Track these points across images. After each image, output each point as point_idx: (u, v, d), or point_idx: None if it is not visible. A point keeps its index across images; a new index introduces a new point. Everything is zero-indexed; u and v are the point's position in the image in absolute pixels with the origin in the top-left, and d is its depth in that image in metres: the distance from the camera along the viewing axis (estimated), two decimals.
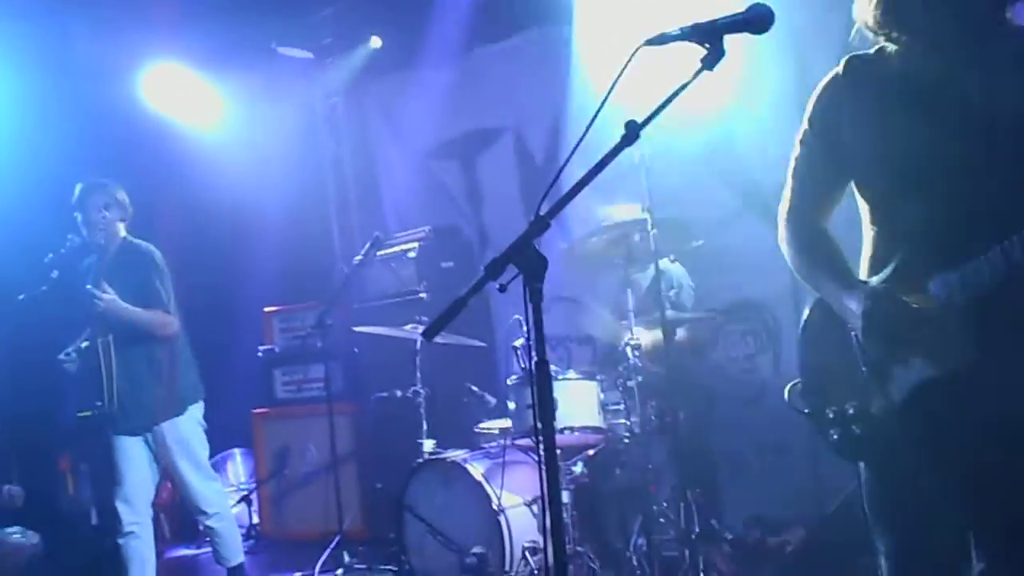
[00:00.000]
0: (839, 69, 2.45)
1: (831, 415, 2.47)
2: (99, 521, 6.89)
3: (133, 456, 5.20)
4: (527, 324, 2.18)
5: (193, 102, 7.46)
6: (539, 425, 2.15)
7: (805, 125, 2.53)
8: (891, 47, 2.39)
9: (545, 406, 2.15)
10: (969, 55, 2.27)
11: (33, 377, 6.13)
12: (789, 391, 2.64)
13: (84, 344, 5.21)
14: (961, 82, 2.26)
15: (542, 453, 2.13)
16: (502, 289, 2.21)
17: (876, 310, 2.31)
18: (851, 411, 2.43)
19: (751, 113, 5.44)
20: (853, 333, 2.42)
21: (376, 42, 7.29)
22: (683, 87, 2.26)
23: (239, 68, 7.26)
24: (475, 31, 6.70)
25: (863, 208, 2.47)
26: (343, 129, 7.89)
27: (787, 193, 2.60)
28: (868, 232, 2.47)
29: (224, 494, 5.56)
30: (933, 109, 2.28)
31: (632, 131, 2.24)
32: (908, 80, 2.34)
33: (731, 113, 5.53)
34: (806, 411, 2.57)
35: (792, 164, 2.57)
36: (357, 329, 5.55)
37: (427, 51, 6.88)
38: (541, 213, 2.22)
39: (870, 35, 2.40)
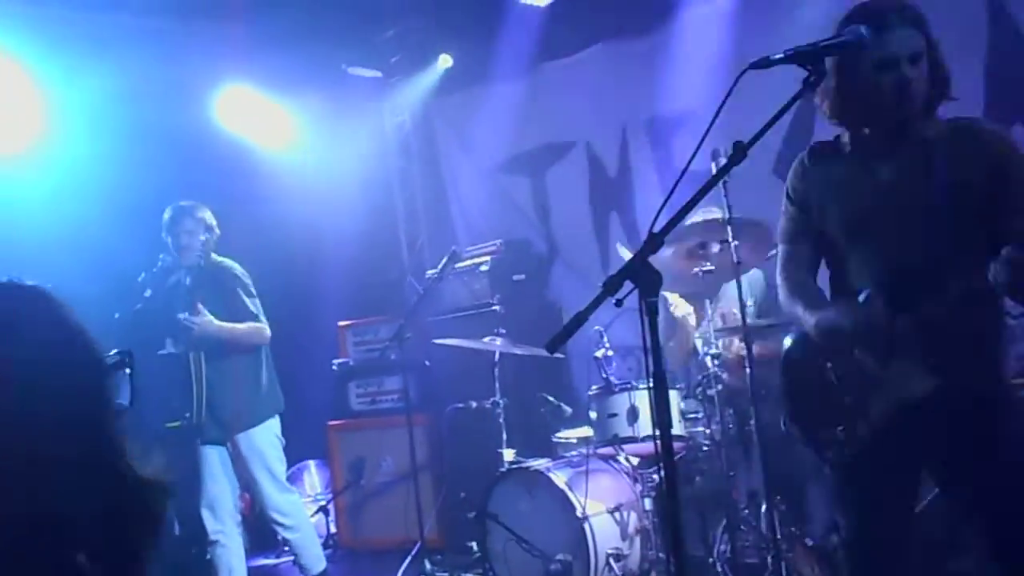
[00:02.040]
0: (804, 155, 2.95)
1: (823, 439, 2.86)
2: (182, 531, 7.05)
3: (214, 465, 5.39)
4: (644, 336, 2.27)
5: (266, 124, 7.64)
6: (659, 439, 2.25)
7: (785, 200, 2.98)
8: (846, 134, 2.87)
9: (664, 419, 2.25)
10: (905, 142, 2.74)
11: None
12: (783, 419, 3.04)
13: (170, 351, 5.41)
14: (900, 164, 2.74)
15: (663, 467, 2.23)
16: (619, 304, 2.31)
17: (862, 316, 2.70)
18: (839, 435, 2.80)
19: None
20: (830, 366, 2.84)
21: (446, 60, 7.44)
22: (787, 107, 2.38)
23: (310, 89, 7.43)
24: (544, 46, 6.81)
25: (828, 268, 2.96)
26: (412, 146, 8.04)
27: (779, 255, 3.04)
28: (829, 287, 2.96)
29: (301, 505, 5.70)
30: (877, 188, 2.76)
31: (739, 151, 2.34)
32: (856, 162, 2.82)
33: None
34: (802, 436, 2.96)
35: (779, 231, 3.02)
36: (438, 341, 5.66)
37: (495, 67, 7.01)
38: (655, 231, 2.32)
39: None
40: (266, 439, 5.40)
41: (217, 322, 5.24)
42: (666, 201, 2.41)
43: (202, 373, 5.31)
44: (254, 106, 7.51)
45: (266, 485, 5.36)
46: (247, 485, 5.49)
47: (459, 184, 7.78)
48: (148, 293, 5.37)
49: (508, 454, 5.38)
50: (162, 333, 5.47)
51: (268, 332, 5.38)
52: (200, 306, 5.20)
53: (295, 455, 7.57)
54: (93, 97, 6.76)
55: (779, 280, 3.02)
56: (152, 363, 5.39)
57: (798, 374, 2.96)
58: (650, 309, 2.26)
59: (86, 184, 6.46)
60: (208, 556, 5.48)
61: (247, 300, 5.36)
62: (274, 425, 5.47)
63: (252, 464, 5.34)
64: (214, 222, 5.50)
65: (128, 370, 1.85)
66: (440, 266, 6.15)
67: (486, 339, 5.47)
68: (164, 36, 6.72)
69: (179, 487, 5.33)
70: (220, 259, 5.48)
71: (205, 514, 5.39)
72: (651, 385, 2.30)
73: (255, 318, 5.34)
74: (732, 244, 4.34)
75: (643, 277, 2.25)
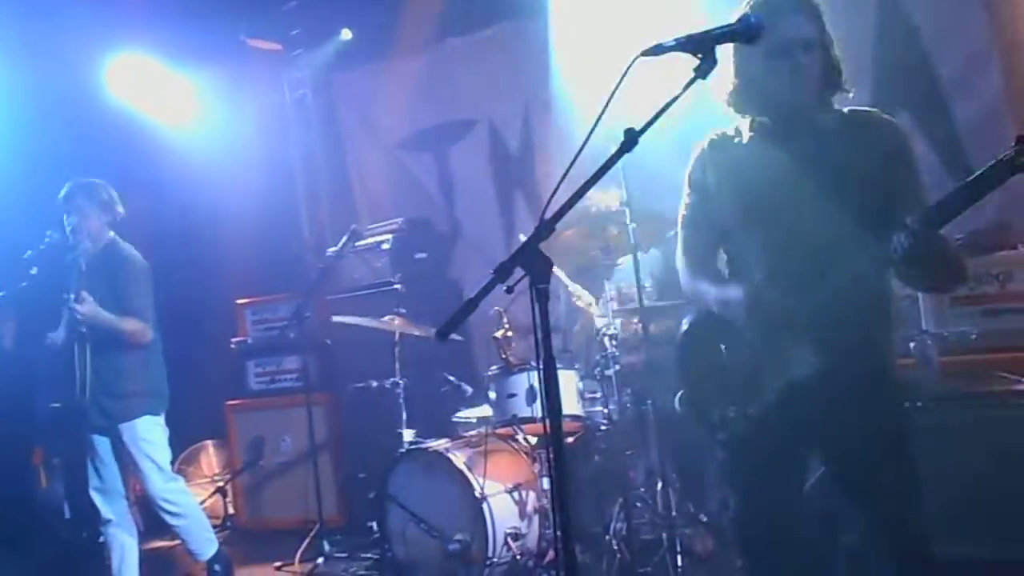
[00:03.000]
0: (704, 144, 3.02)
1: (716, 419, 2.92)
2: (72, 514, 6.90)
3: (102, 450, 5.33)
4: (535, 322, 2.28)
5: (160, 94, 7.44)
6: (548, 421, 2.27)
7: (686, 187, 3.04)
8: (744, 122, 2.93)
9: (553, 401, 2.27)
10: (801, 130, 2.81)
11: (10, 372, 6.15)
12: (678, 399, 3.10)
13: (55, 339, 5.28)
14: (795, 152, 2.80)
15: (552, 448, 2.25)
16: (509, 290, 2.33)
17: (756, 296, 2.78)
18: (732, 414, 2.87)
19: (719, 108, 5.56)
20: (723, 347, 2.91)
21: (346, 34, 7.32)
22: (678, 96, 2.40)
23: (207, 60, 7.25)
24: (447, 22, 6.77)
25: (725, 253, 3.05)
26: (313, 121, 7.91)
27: (679, 241, 3.09)
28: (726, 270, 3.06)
29: (186, 492, 5.63)
30: (773, 175, 2.82)
31: (631, 138, 2.36)
32: (754, 150, 2.89)
33: (702, 108, 5.65)
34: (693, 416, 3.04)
35: (680, 218, 3.08)
36: (338, 320, 5.61)
37: (398, 42, 6.95)
38: (546, 217, 2.33)
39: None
40: (150, 430, 5.31)
41: (103, 314, 5.11)
42: (557, 188, 2.41)
43: (86, 361, 5.18)
44: (148, 75, 7.30)
45: (151, 474, 5.29)
46: (132, 472, 5.40)
47: (361, 161, 7.70)
48: (34, 271, 5.21)
49: (408, 434, 5.35)
50: (50, 313, 5.32)
51: (149, 335, 5.25)
52: (85, 294, 5.05)
53: (192, 435, 7.47)
54: None
55: (680, 264, 3.07)
56: (39, 344, 5.24)
57: (693, 354, 3.02)
58: (540, 295, 2.27)
59: None
60: (100, 538, 5.40)
61: (137, 297, 5.23)
62: (159, 417, 5.39)
63: (136, 454, 5.27)
64: (117, 203, 5.34)
65: None
66: (341, 244, 6.12)
67: (386, 318, 5.44)
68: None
69: (68, 470, 5.26)
70: (123, 246, 5.33)
71: (95, 496, 5.35)
72: (540, 371, 2.32)
73: (141, 317, 5.22)
74: (630, 227, 4.39)
75: (534, 264, 2.27)
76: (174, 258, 7.25)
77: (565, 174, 2.42)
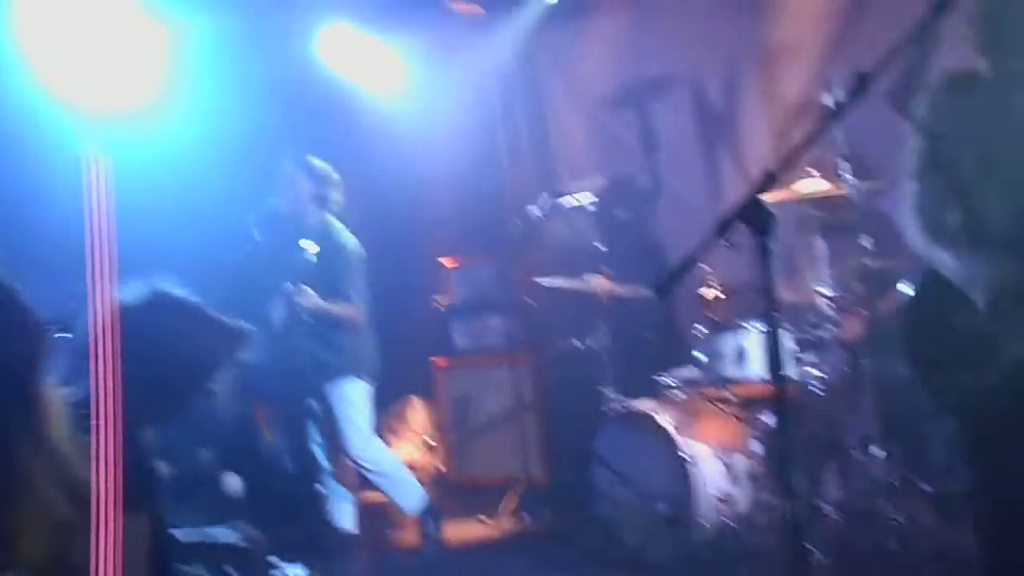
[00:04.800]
0: (936, 83, 2.82)
1: (948, 385, 2.76)
2: (294, 467, 7.24)
3: (316, 408, 5.57)
4: (762, 277, 2.18)
5: (367, 63, 7.60)
6: (775, 381, 2.17)
7: (914, 132, 2.81)
8: (985, 62, 2.72)
9: (778, 362, 2.17)
10: None
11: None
12: (906, 364, 2.94)
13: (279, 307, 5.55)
14: None
15: (778, 409, 2.15)
16: (729, 244, 2.23)
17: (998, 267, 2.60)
18: (968, 382, 2.68)
19: None
20: (959, 312, 2.69)
21: None
22: (919, 32, 2.22)
23: (411, 26, 7.35)
24: None
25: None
26: (514, 83, 7.91)
27: (907, 195, 2.87)
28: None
29: (385, 452, 5.82)
30: (1017, 123, 2.63)
31: (862, 82, 2.21)
32: (996, 94, 2.69)
33: None
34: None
35: (907, 168, 2.85)
36: (541, 281, 5.63)
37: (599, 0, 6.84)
38: (769, 169, 2.21)
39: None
40: (354, 392, 5.54)
41: (321, 304, 5.38)
42: (782, 138, 2.29)
43: (303, 330, 5.44)
44: (356, 45, 7.47)
45: (351, 434, 5.51)
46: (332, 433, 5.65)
47: (561, 121, 7.64)
48: (257, 236, 5.45)
49: (612, 394, 5.34)
50: (268, 285, 5.59)
51: (363, 318, 5.50)
52: (305, 287, 5.33)
53: (400, 392, 7.67)
54: (214, 43, 6.79)
55: (908, 218, 2.87)
56: (259, 306, 5.51)
57: (924, 317, 2.83)
58: (764, 250, 2.17)
59: (187, 133, 6.52)
60: (321, 491, 5.65)
61: (353, 285, 5.44)
62: (363, 383, 5.60)
63: (339, 413, 5.50)
64: (334, 184, 5.54)
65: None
66: (543, 204, 6.11)
67: (589, 278, 5.41)
68: None
69: (289, 425, 5.49)
70: (338, 228, 5.53)
71: (315, 450, 5.58)
72: (765, 327, 2.21)
73: (354, 302, 5.47)
74: (849, 180, 4.16)
75: (757, 217, 2.16)
76: (381, 220, 7.45)
77: (792, 123, 2.29)
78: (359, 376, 5.56)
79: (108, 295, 1.49)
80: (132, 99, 6.36)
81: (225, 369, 2.42)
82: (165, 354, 2.28)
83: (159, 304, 2.33)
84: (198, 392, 2.38)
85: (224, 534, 4.50)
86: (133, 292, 2.33)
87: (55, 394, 1.71)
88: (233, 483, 5.83)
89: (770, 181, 2.18)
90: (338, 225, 5.58)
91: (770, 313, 2.17)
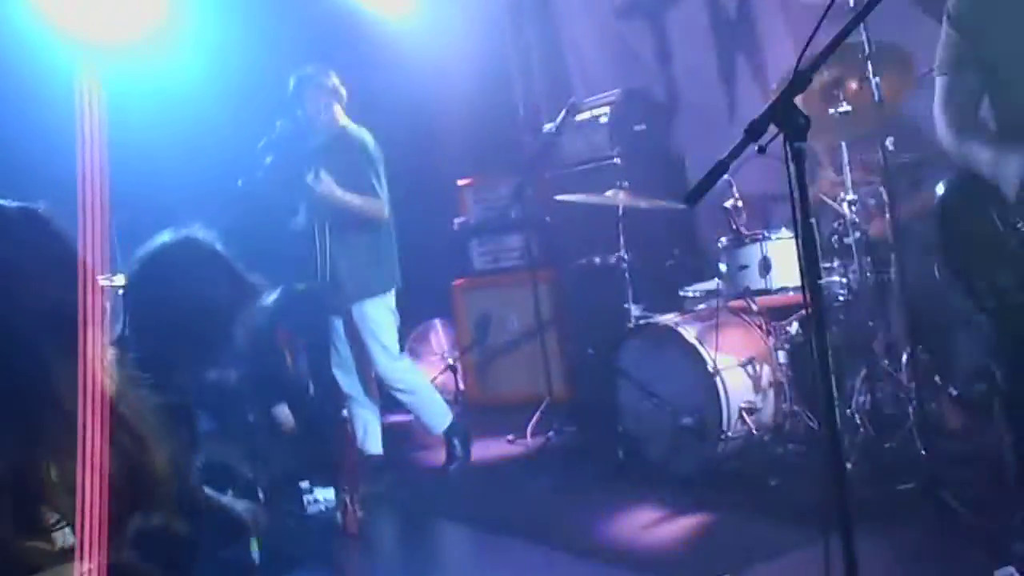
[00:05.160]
0: None
1: (983, 288, 2.68)
2: (316, 390, 7.28)
3: (339, 330, 5.56)
4: (791, 186, 2.11)
5: None
6: (808, 288, 2.11)
7: (944, 23, 2.68)
8: None
9: (813, 273, 2.11)
10: None
11: (253, 260, 6.45)
12: (937, 265, 2.87)
13: (300, 222, 5.49)
14: None
15: (813, 319, 2.10)
16: (762, 150, 2.15)
17: None
18: (1004, 283, 2.62)
19: None
20: (994, 212, 2.62)
21: None
22: None
23: None
24: None
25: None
26: None
27: (937, 89, 2.78)
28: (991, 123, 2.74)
29: (413, 369, 5.83)
30: None
31: None
32: None
33: None
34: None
35: (937, 61, 2.75)
36: (559, 198, 5.55)
37: None
38: (800, 68, 2.13)
39: None
40: (379, 311, 5.51)
41: (340, 192, 5.25)
42: (812, 37, 2.19)
43: (326, 242, 5.38)
44: None
45: (378, 354, 5.51)
46: (358, 352, 5.63)
47: (574, 33, 7.50)
48: (269, 160, 5.40)
49: (635, 309, 5.32)
50: (289, 198, 5.54)
51: (387, 211, 5.41)
52: (323, 173, 5.20)
53: (420, 314, 7.67)
54: None
55: (938, 114, 2.78)
56: (280, 228, 5.47)
57: (957, 219, 2.77)
58: (797, 155, 2.09)
59: (200, 56, 6.42)
60: (344, 413, 5.67)
61: (373, 177, 5.35)
62: (388, 299, 5.56)
63: (364, 334, 5.49)
64: (340, 84, 5.46)
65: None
66: (558, 120, 6.01)
67: (608, 193, 5.34)
68: None
69: (311, 349, 5.50)
70: (353, 128, 5.47)
71: (337, 374, 5.63)
72: (797, 234, 2.15)
73: (378, 194, 5.37)
74: (872, 80, 4.04)
75: (790, 120, 2.08)
76: (394, 141, 7.35)
77: (819, 23, 2.19)
78: (385, 291, 5.52)
79: (100, 232, 1.42)
80: (133, 28, 6.28)
81: (243, 320, 2.47)
82: (190, 298, 2.37)
83: (187, 250, 2.44)
84: (221, 337, 2.43)
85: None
86: (163, 238, 2.46)
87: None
88: (284, 415, 5.85)
89: (803, 82, 2.10)
90: (353, 126, 5.49)
91: (804, 220, 2.11)
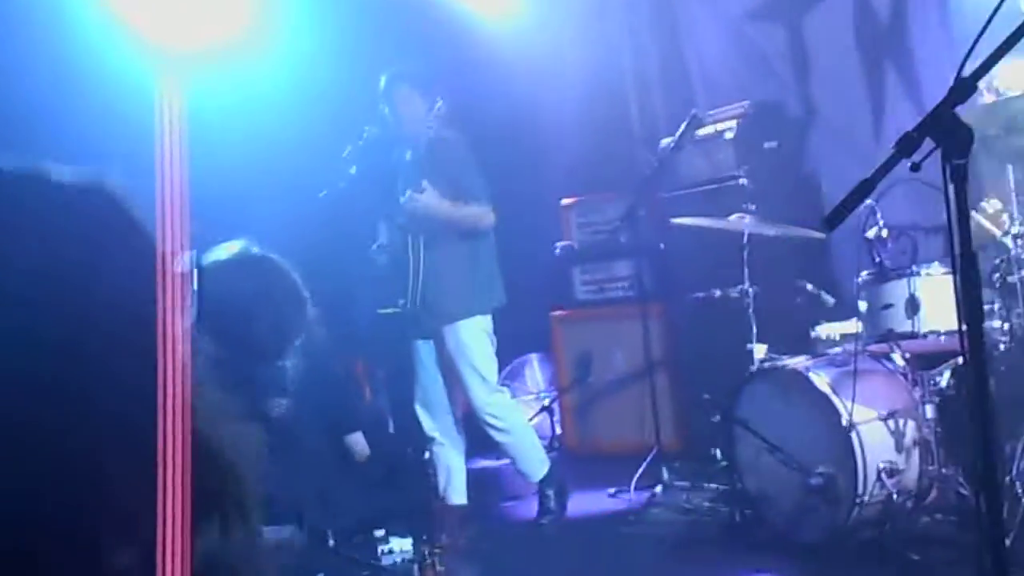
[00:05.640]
0: None
1: None
2: (396, 429, 7.31)
3: (427, 360, 5.56)
4: (948, 213, 2.03)
5: None
6: (966, 335, 2.02)
7: None
8: None
9: (974, 316, 2.02)
10: None
11: (332, 277, 6.54)
12: None
13: (383, 243, 5.52)
14: None
15: (971, 369, 2.00)
16: (915, 168, 2.08)
17: None
18: None
19: None
20: None
21: None
22: None
23: None
24: None
25: None
26: None
27: None
28: None
29: (514, 406, 5.79)
30: None
31: None
32: None
33: None
34: None
35: None
36: (675, 221, 5.51)
37: None
38: (964, 75, 2.05)
39: None
40: (474, 335, 5.46)
41: (443, 203, 5.29)
42: (976, 41, 2.11)
43: (420, 258, 5.38)
44: None
45: (473, 384, 5.45)
46: (454, 383, 5.59)
47: (698, 37, 7.46)
48: (354, 170, 5.46)
49: (759, 350, 5.25)
50: (374, 213, 5.58)
51: (492, 217, 5.41)
52: (425, 182, 5.21)
53: (516, 348, 7.66)
54: None
55: None
56: (363, 246, 5.52)
57: None
58: (957, 174, 2.01)
59: (291, 59, 6.55)
60: (426, 455, 5.67)
61: (475, 178, 5.37)
62: (485, 321, 5.52)
63: (458, 360, 5.44)
64: (435, 87, 5.49)
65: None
66: (677, 134, 5.97)
67: (732, 217, 5.31)
68: None
69: (393, 382, 5.51)
70: (447, 131, 5.48)
71: (420, 411, 5.61)
72: (956, 268, 2.06)
73: (481, 200, 5.35)
74: None
75: (950, 133, 2.00)
76: (490, 154, 7.39)
77: (988, 22, 2.11)
78: (484, 310, 5.48)
79: (180, 254, 1.39)
80: (216, 34, 6.44)
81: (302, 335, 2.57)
82: (249, 314, 2.47)
83: (245, 264, 2.54)
84: (281, 354, 2.50)
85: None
86: (222, 252, 2.54)
87: None
88: (359, 444, 5.85)
89: (966, 90, 2.01)
90: (447, 128, 5.49)
91: (965, 252, 2.02)
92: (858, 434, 4.51)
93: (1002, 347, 4.61)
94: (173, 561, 0.94)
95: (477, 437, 5.77)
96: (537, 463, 5.61)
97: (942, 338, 4.58)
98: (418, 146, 5.42)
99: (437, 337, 5.48)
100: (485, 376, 5.47)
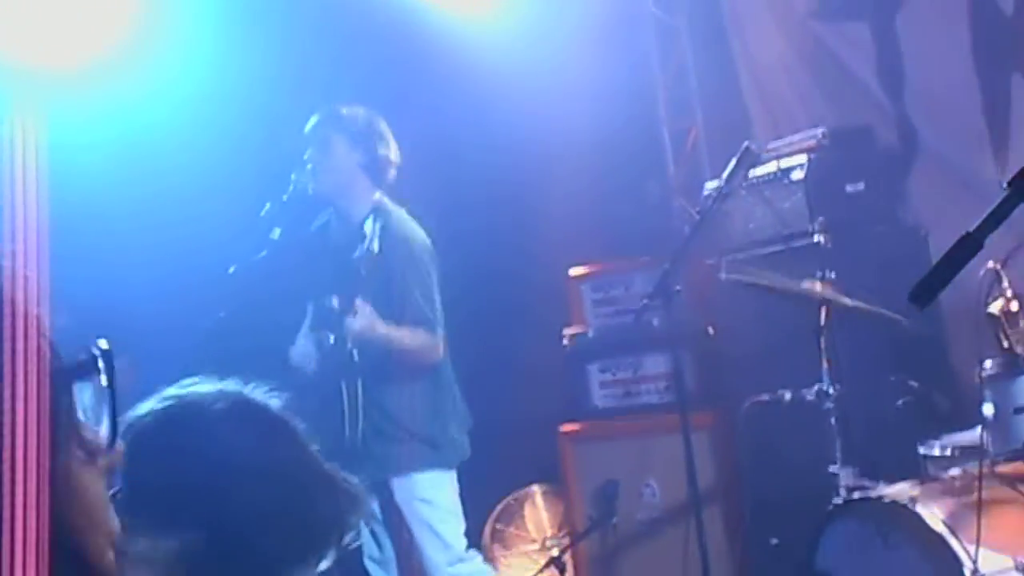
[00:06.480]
0: None
1: None
2: None
3: (378, 511, 5.66)
4: None
5: None
6: None
7: None
8: None
9: None
10: None
11: (249, 376, 6.48)
12: None
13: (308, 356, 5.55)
14: None
15: None
16: None
17: None
18: None
19: None
20: None
21: None
22: None
23: None
24: None
25: None
26: None
27: None
28: None
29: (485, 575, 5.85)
30: None
31: None
32: None
33: None
34: None
35: None
36: (730, 277, 5.64)
37: None
38: None
39: None
40: (433, 487, 5.61)
41: (382, 327, 5.36)
42: None
43: (357, 391, 5.52)
44: None
45: (429, 550, 5.58)
46: (404, 548, 5.73)
47: (755, 47, 7.60)
48: (276, 234, 5.45)
49: (846, 475, 5.22)
50: (298, 300, 5.61)
51: (441, 350, 5.54)
52: (361, 302, 5.29)
53: (510, 479, 7.60)
54: None
55: None
56: (282, 331, 5.51)
57: None
58: None
59: (204, 83, 6.60)
60: None
61: (424, 297, 5.50)
62: (448, 473, 5.69)
63: (410, 519, 5.59)
64: (387, 143, 5.53)
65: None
66: (726, 175, 5.96)
67: (804, 285, 5.28)
68: None
69: None
70: (398, 213, 5.62)
71: (371, 567, 5.71)
72: None
73: (431, 324, 5.48)
74: None
75: None
76: (475, 216, 7.40)
77: None
78: (442, 464, 5.60)
79: (34, 340, 1.40)
80: (87, 48, 6.48)
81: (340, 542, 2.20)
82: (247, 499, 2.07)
83: (240, 419, 2.17)
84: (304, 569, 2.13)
85: None
86: (195, 396, 2.17)
87: None
88: None
89: None
90: (398, 211, 5.58)
91: None
92: None
93: None
94: None
95: None
96: None
97: None
98: (349, 219, 5.41)
99: (385, 488, 5.57)
100: (445, 539, 5.59)
